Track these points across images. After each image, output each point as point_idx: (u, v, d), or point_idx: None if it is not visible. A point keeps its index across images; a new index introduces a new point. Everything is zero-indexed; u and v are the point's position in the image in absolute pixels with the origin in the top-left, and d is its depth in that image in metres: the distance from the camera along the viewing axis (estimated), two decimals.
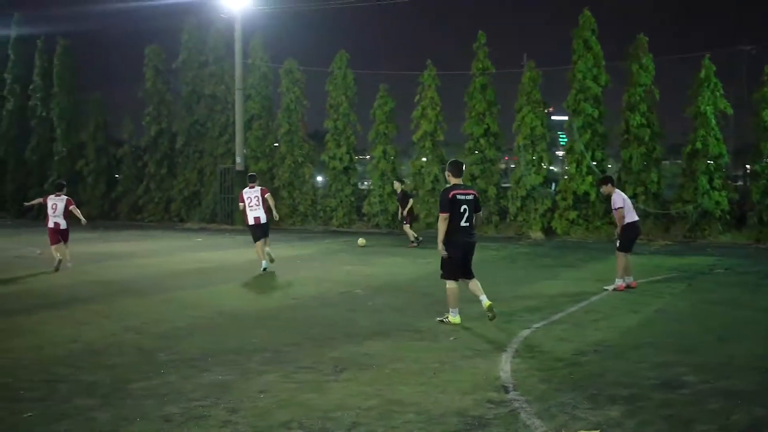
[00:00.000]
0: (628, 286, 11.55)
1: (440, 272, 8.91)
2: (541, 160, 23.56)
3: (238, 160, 28.21)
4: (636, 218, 11.78)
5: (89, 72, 74.90)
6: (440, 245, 8.61)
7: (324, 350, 7.35)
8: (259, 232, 14.38)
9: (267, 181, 28.24)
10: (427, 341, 7.85)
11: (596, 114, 22.52)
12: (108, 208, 32.89)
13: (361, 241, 16.73)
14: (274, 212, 14.77)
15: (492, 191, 24.26)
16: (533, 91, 23.62)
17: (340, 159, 26.75)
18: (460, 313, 8.81)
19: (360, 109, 27.22)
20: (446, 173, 8.95)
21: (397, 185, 20.89)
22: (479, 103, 24.45)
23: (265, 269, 13.98)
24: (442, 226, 8.56)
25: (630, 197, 21.63)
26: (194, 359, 6.97)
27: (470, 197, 8.63)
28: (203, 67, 30.08)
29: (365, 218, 26.68)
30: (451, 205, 8.49)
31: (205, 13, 29.99)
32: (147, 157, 31.39)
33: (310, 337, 7.99)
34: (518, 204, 23.67)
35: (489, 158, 24.48)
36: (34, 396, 5.75)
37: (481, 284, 8.84)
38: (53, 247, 14.69)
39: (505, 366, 6.74)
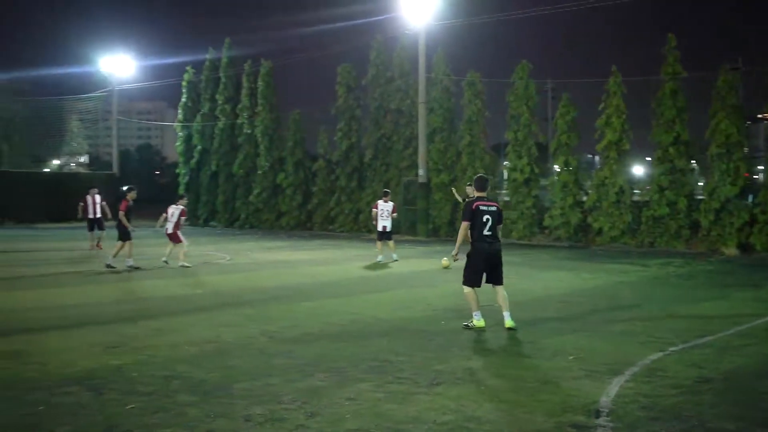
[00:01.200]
0: None
1: (463, 278, 9.40)
2: (737, 169, 21.68)
3: (420, 172, 28.78)
4: None
5: (289, 91, 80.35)
6: (455, 250, 9.50)
7: (432, 363, 7.35)
8: (384, 237, 18.63)
9: (448, 193, 28.54)
10: (542, 359, 7.58)
11: None
12: (304, 219, 34.87)
13: (444, 261, 16.23)
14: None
15: (682, 203, 22.71)
16: (728, 95, 21.87)
17: (521, 170, 26.36)
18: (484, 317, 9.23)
19: (541, 119, 26.79)
20: (472, 187, 9.64)
21: (469, 189, 20.55)
22: (669, 109, 23.06)
23: (380, 260, 18.27)
24: (462, 233, 9.27)
25: None
26: (306, 364, 7.27)
27: (493, 209, 9.23)
28: (390, 82, 31.06)
29: (546, 231, 26.07)
30: (473, 216, 9.11)
31: (392, 30, 31.04)
32: (339, 170, 32.92)
33: (426, 349, 8.02)
34: (711, 217, 21.95)
35: (678, 168, 22.95)
36: (146, 390, 6.32)
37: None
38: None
39: (611, 390, 6.35)
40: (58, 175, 46.80)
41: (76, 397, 6.13)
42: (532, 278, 15.08)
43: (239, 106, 37.15)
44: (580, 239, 24.91)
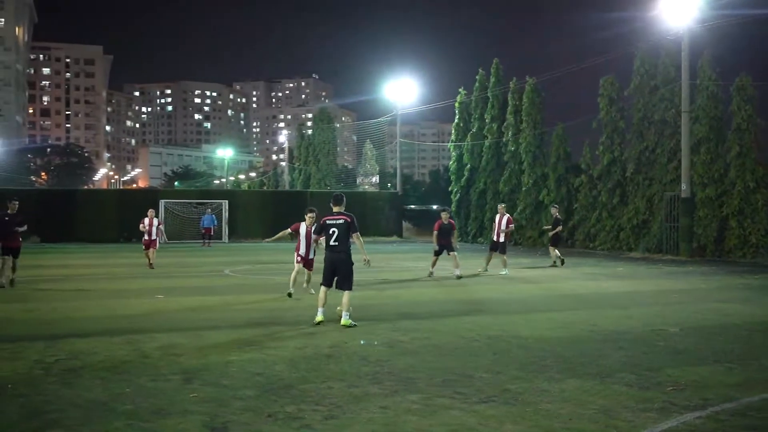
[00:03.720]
0: None
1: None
2: None
3: (683, 186, 26.66)
4: None
5: (553, 106, 79.04)
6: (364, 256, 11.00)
7: (513, 382, 7.10)
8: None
9: (715, 209, 26.08)
10: (637, 388, 6.90)
11: None
12: (566, 236, 34.07)
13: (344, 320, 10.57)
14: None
15: None
16: None
17: None
18: (324, 315, 10.74)
19: None
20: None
21: (554, 211, 22.40)
22: None
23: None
24: (316, 244, 12.41)
25: None
26: (386, 373, 7.47)
27: (340, 221, 10.61)
28: (653, 91, 29.29)
29: None
30: (322, 229, 10.80)
31: (656, 36, 29.25)
32: (600, 185, 31.75)
33: (526, 369, 7.72)
34: None
35: None
36: (225, 383, 7.02)
37: None
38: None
39: (668, 423, 5.70)
40: (347, 194, 50.90)
41: (167, 384, 7.05)
42: (752, 302, 13.44)
43: (505, 124, 37.63)
44: None
